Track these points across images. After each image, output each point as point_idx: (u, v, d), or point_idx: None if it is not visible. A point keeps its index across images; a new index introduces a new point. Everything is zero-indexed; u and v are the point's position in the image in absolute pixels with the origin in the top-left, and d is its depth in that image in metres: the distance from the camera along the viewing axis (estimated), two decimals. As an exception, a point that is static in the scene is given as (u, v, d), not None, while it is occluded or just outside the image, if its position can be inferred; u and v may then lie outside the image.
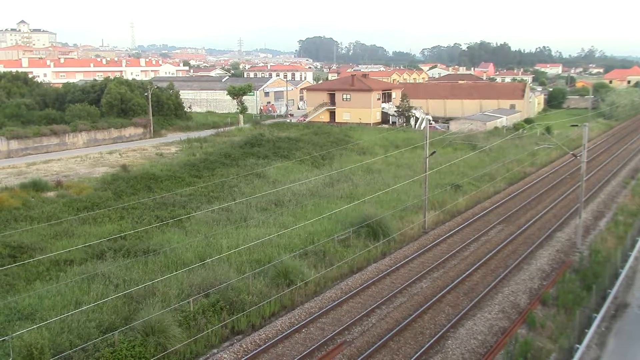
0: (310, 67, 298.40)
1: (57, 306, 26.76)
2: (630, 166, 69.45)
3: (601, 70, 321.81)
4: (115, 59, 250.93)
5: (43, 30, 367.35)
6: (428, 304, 29.20)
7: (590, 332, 25.76)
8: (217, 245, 35.49)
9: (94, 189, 50.62)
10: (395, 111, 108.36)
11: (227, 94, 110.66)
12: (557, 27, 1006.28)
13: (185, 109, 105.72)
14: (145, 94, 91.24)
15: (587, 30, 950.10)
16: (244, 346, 25.12)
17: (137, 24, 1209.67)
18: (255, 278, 30.06)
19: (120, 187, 50.97)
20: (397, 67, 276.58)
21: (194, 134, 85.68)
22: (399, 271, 34.29)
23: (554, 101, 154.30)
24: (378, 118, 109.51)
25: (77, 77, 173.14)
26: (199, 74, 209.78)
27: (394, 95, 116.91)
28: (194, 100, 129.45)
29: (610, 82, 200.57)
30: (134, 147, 76.18)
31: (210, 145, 75.47)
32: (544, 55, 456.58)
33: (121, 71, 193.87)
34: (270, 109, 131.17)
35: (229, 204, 44.79)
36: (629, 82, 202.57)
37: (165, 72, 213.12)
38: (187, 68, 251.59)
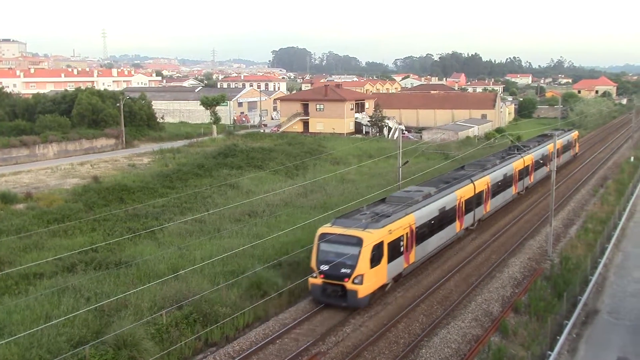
0: (283, 77, 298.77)
1: (26, 320, 26.23)
2: (599, 174, 70.60)
3: (570, 81, 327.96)
4: (87, 69, 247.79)
5: (13, 40, 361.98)
6: (402, 313, 29.30)
7: (562, 339, 26.13)
8: (190, 257, 35.21)
9: (64, 200, 49.86)
10: (368, 121, 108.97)
11: (200, 105, 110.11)
12: (526, 38, 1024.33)
13: (158, 120, 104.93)
14: (117, 104, 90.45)
15: (556, 41, 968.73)
16: (218, 358, 24.97)
17: (110, 33, 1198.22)
18: (229, 289, 29.80)
19: (92, 198, 50.27)
20: (370, 78, 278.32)
21: (166, 145, 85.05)
22: (373, 281, 34.25)
23: (524, 111, 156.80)
24: (351, 128, 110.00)
25: (48, 87, 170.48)
26: (171, 84, 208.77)
27: (367, 105, 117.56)
28: (167, 110, 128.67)
29: (579, 92, 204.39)
30: (105, 158, 75.33)
31: (183, 155, 74.98)
32: (514, 66, 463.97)
33: (93, 81, 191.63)
34: (243, 119, 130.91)
35: (202, 214, 44.47)
36: (596, 92, 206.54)
37: (138, 83, 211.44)
38: (159, 78, 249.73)
